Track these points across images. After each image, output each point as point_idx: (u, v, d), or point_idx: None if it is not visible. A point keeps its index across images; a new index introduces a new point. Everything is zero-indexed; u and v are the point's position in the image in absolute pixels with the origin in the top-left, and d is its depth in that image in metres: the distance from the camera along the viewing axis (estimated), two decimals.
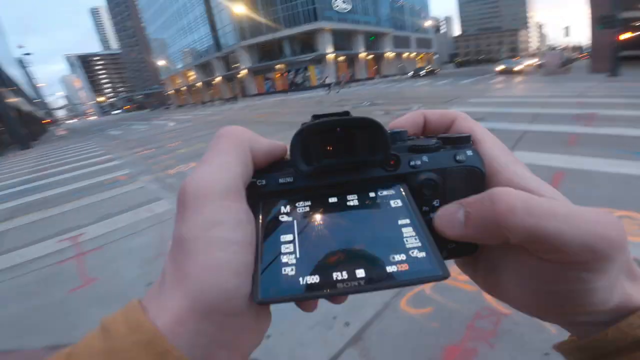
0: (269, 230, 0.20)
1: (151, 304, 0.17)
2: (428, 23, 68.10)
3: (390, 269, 0.18)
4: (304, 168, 0.21)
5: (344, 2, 43.91)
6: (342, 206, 0.21)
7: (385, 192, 0.22)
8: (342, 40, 46.01)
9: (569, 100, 8.02)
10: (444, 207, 0.20)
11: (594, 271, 0.17)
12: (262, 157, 0.22)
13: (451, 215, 0.19)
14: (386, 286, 0.18)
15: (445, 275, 0.17)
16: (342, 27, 43.96)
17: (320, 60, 42.93)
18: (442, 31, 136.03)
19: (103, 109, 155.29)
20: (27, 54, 41.19)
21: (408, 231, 0.19)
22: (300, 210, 0.21)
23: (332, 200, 0.21)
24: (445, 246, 0.21)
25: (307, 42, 43.49)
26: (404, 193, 0.21)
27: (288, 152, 0.22)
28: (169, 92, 72.66)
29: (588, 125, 5.05)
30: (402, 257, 0.18)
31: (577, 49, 71.32)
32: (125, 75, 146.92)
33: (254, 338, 0.20)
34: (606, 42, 17.63)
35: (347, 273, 0.18)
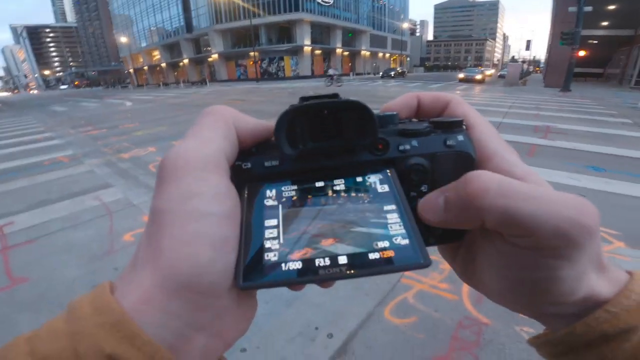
0: (254, 214, 0.20)
1: (121, 283, 0.16)
2: (405, 25, 69.74)
3: (372, 256, 0.18)
4: (289, 151, 0.20)
5: None
6: (328, 191, 0.21)
7: (372, 177, 0.21)
8: (320, 34, 45.80)
9: (527, 111, 8.53)
10: (427, 195, 0.20)
11: (563, 259, 0.17)
12: (247, 137, 0.21)
13: (433, 202, 0.19)
14: (367, 273, 0.18)
15: (427, 264, 0.18)
16: (322, 21, 43.67)
17: (296, 51, 42.41)
18: (417, 34, 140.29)
19: (48, 83, 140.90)
20: None
21: (393, 217, 0.19)
22: (285, 194, 0.21)
23: (319, 184, 0.21)
24: (432, 232, 0.21)
25: (284, 32, 42.65)
26: (391, 178, 0.21)
27: None
28: (128, 71, 67.40)
29: (545, 138, 5.36)
30: (386, 244, 0.18)
31: (535, 62, 77.09)
32: (79, 50, 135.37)
33: (237, 324, 0.19)
34: (561, 58, 19.20)
35: (330, 259, 0.18)
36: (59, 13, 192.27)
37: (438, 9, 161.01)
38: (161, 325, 0.15)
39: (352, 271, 0.17)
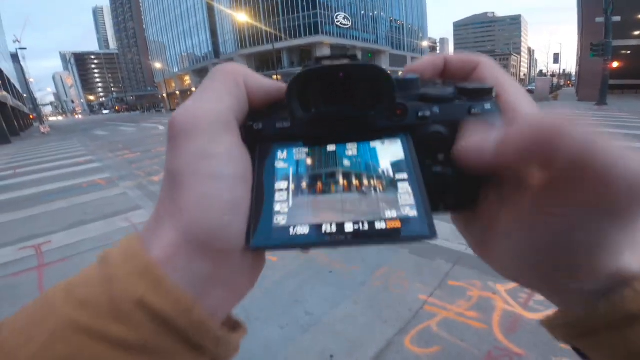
0: (264, 176, 0.20)
1: (147, 235, 0.17)
2: (425, 44, 70.15)
3: (379, 225, 0.18)
4: (301, 114, 0.20)
5: (344, 18, 45.08)
6: (340, 156, 0.20)
7: (387, 144, 0.20)
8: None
9: None
10: (470, 135, 0.18)
11: (622, 222, 0.14)
12: (258, 96, 0.20)
13: (479, 139, 0.17)
14: (372, 242, 0.17)
15: (433, 236, 0.17)
16: (341, 43, 44.97)
17: None
18: (437, 52, 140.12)
19: (92, 108, 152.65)
20: (22, 48, 39.96)
21: (404, 187, 0.19)
22: (296, 157, 0.21)
23: (331, 149, 0.21)
24: (443, 199, 0.20)
25: (305, 55, 44.22)
26: (407, 146, 0.20)
27: None
28: (162, 95, 72.06)
29: None
30: (394, 214, 0.18)
31: (566, 75, 73.99)
32: (120, 76, 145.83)
33: (248, 280, 0.20)
34: (594, 70, 18.36)
35: (336, 226, 0.18)
36: (103, 40, 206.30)
37: (457, 26, 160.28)
38: (183, 277, 0.16)
39: (357, 239, 0.17)
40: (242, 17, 40.34)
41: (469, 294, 1.90)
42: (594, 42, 15.93)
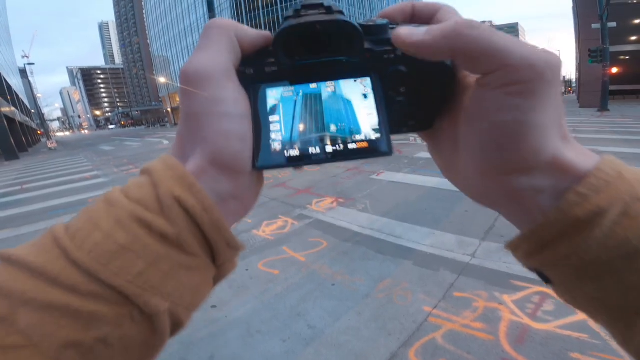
0: (260, 111, 0.24)
1: (178, 157, 0.22)
2: None
3: (351, 146, 0.23)
4: (285, 62, 0.24)
5: None
6: (320, 91, 0.25)
7: (359, 82, 0.25)
8: None
9: None
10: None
11: (532, 96, 0.18)
12: (247, 45, 0.24)
13: (412, 30, 0.21)
14: (346, 159, 0.23)
15: (389, 153, 0.23)
16: None
17: None
18: None
19: (98, 123, 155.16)
20: (30, 63, 40.97)
21: (372, 115, 0.24)
22: (284, 95, 0.25)
23: (312, 86, 0.25)
24: (405, 123, 0.25)
25: None
26: (374, 83, 0.24)
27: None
28: (167, 110, 73.12)
29: None
30: (362, 137, 0.24)
31: (566, 82, 73.90)
32: (125, 91, 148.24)
33: (253, 196, 0.25)
34: (593, 76, 18.36)
35: (319, 149, 0.23)
36: (109, 55, 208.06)
37: None
38: (209, 188, 0.20)
39: (335, 158, 0.23)
40: None
41: (475, 305, 1.87)
42: (592, 48, 15.95)
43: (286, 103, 0.25)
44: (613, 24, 15.34)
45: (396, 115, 0.25)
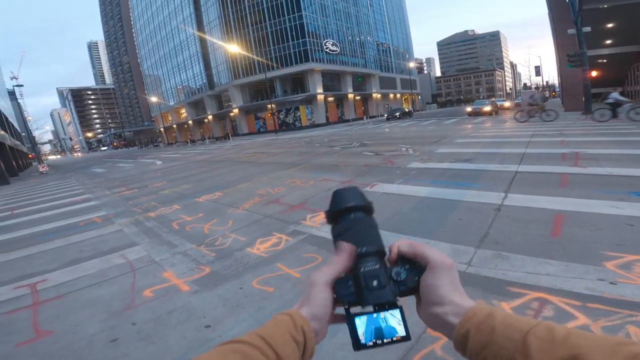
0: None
1: (299, 307, 0.45)
2: (412, 64, 72.51)
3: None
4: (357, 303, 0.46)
5: (333, 44, 46.79)
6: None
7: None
8: (332, 81, 48.36)
9: (551, 139, 8.30)
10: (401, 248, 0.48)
11: (438, 272, 0.42)
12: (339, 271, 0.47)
13: (396, 249, 0.48)
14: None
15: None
16: (331, 68, 46.41)
17: (310, 100, 44.61)
18: (425, 72, 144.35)
19: (90, 145, 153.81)
20: (19, 85, 40.35)
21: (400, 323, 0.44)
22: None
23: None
24: (404, 292, 0.45)
25: (298, 82, 45.47)
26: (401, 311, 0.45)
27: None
28: (159, 129, 72.82)
29: (575, 165, 5.10)
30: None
31: (549, 87, 75.98)
32: (116, 111, 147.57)
33: (325, 332, 0.46)
34: (575, 80, 18.85)
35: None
36: (99, 75, 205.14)
37: (441, 45, 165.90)
38: (313, 327, 0.43)
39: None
40: (234, 49, 41.47)
41: None
42: (570, 53, 16.41)
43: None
44: (588, 29, 15.86)
45: (400, 292, 0.45)
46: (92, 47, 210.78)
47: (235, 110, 47.98)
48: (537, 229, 2.89)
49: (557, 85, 47.32)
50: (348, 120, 47.95)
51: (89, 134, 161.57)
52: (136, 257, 3.46)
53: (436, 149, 8.63)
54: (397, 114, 34.82)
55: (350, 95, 50.85)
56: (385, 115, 39.53)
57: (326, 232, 3.48)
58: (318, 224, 3.76)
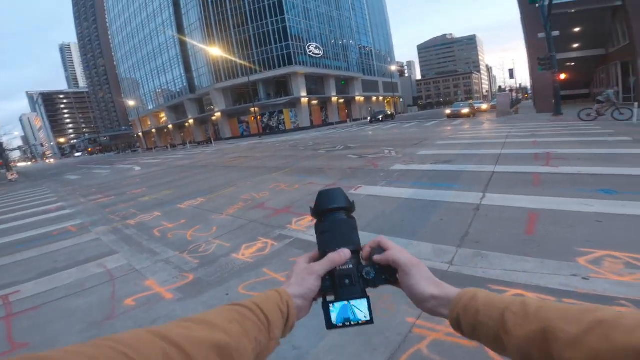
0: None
1: (286, 287, 0.52)
2: (393, 68, 73.82)
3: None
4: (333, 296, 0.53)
5: (316, 47, 46.98)
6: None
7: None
8: (315, 85, 48.48)
9: (524, 140, 8.66)
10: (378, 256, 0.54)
11: (408, 272, 0.50)
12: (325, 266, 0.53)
13: (380, 257, 0.53)
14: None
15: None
16: (315, 72, 46.56)
17: (294, 103, 44.52)
18: (406, 75, 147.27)
19: (63, 151, 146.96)
20: None
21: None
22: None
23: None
24: (383, 280, 0.53)
25: (281, 86, 45.30)
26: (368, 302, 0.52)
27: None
28: (138, 134, 70.47)
29: (547, 165, 5.35)
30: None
31: (522, 89, 79.34)
32: (91, 116, 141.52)
33: (309, 310, 0.53)
34: (545, 83, 19.77)
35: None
36: (71, 79, 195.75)
37: (421, 49, 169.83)
38: (297, 304, 0.50)
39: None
40: (216, 51, 40.73)
41: None
42: (540, 56, 17.23)
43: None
44: (556, 33, 16.72)
45: (371, 283, 0.52)
46: (64, 50, 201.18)
47: (218, 114, 47.21)
48: (513, 228, 3.02)
49: (529, 87, 49.43)
50: (332, 124, 48.22)
51: (62, 140, 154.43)
52: (116, 265, 3.35)
53: (418, 151, 8.83)
54: (380, 116, 35.25)
55: (334, 99, 51.16)
56: (369, 118, 39.96)
57: (312, 235, 3.49)
58: (304, 228, 3.77)
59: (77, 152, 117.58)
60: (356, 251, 0.55)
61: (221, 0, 44.76)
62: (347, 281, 0.51)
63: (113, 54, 75.98)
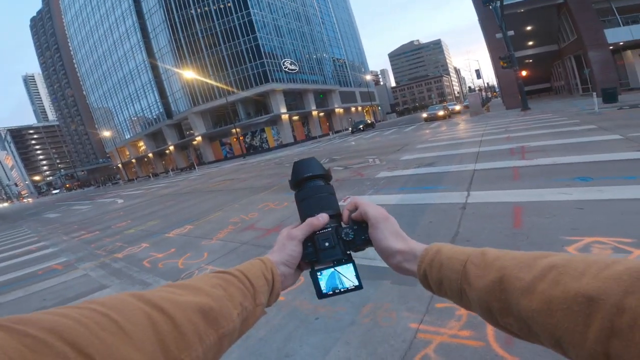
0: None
1: (271, 255, 0.53)
2: (368, 77, 75.59)
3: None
4: (316, 262, 0.54)
5: (291, 63, 47.54)
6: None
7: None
8: (294, 100, 48.84)
9: (499, 136, 9.00)
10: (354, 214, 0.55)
11: (377, 227, 0.50)
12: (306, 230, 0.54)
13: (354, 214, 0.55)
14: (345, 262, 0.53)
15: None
16: (292, 87, 46.89)
17: (275, 121, 44.49)
18: (381, 84, 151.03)
19: (40, 190, 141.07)
20: None
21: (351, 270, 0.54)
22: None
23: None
24: (358, 246, 0.53)
25: (260, 104, 45.31)
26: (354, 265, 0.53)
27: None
28: (117, 166, 68.44)
29: (523, 159, 5.57)
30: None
31: (490, 88, 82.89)
32: (65, 150, 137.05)
33: (296, 278, 0.55)
34: (509, 80, 20.78)
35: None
36: (39, 111, 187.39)
37: (392, 57, 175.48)
38: (281, 271, 0.51)
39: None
40: (190, 74, 40.20)
41: (458, 313, 1.91)
42: (501, 55, 18.19)
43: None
44: (511, 32, 17.74)
45: (351, 246, 0.54)
46: (28, 81, 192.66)
47: (198, 138, 46.55)
48: (501, 223, 3.11)
49: (496, 86, 51.63)
50: (315, 137, 48.44)
51: (37, 177, 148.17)
52: None
53: (400, 156, 9.02)
54: (361, 126, 35.65)
55: (314, 112, 51.52)
56: (350, 128, 40.34)
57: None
58: None
59: (55, 189, 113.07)
60: (336, 215, 0.56)
61: (190, 22, 44.58)
62: (327, 244, 0.52)
63: (81, 82, 73.32)
